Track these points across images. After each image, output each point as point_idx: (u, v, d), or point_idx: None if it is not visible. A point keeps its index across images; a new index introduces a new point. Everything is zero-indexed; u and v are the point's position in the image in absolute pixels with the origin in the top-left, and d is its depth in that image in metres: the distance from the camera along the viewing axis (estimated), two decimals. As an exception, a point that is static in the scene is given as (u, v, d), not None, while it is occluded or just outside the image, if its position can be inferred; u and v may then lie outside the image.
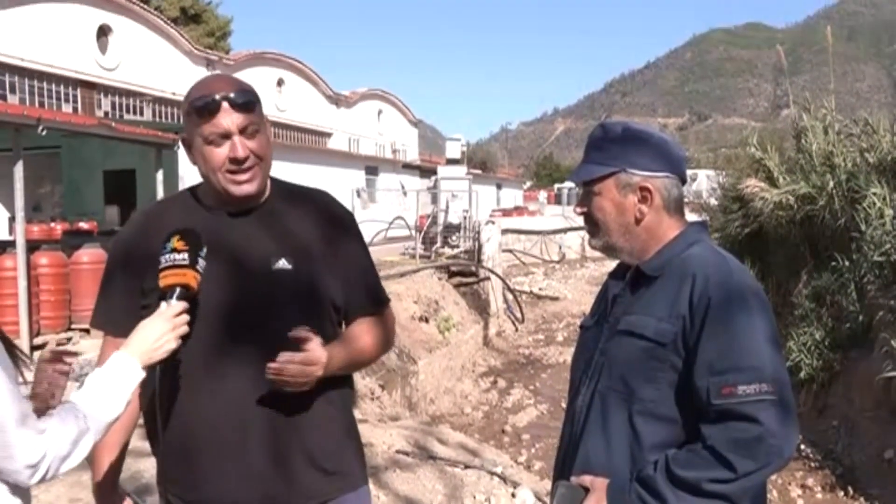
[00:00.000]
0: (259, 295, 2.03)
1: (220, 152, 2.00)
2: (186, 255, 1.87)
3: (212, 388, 2.01)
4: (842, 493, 7.88)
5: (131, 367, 1.75)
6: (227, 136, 1.99)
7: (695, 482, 1.71)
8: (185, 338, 1.88)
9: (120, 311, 2.07)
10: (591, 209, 2.02)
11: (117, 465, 2.16)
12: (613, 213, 1.97)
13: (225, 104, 1.97)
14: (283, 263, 2.06)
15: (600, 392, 1.95)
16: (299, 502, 2.08)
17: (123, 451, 2.18)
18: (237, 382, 1.99)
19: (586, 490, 1.86)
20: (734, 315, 1.77)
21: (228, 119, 1.98)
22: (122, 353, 1.76)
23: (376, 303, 2.31)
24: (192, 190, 2.19)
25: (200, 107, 1.98)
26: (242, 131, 2.01)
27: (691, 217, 2.07)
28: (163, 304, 1.86)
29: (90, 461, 1.99)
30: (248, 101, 2.02)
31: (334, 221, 2.26)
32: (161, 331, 1.80)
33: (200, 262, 1.90)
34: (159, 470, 2.14)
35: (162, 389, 1.95)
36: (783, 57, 15.86)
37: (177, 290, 1.85)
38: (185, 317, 1.86)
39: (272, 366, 1.88)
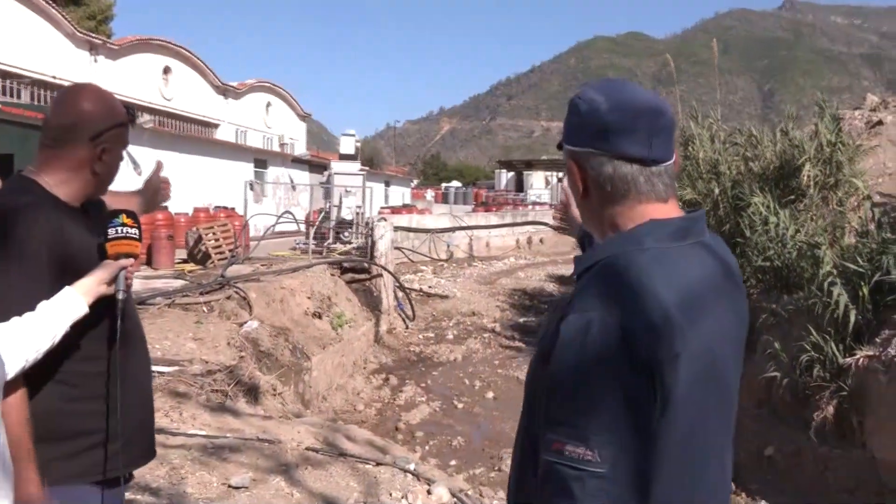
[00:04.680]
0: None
1: None
2: (137, 231, 2.22)
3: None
4: (725, 489, 8.19)
5: (74, 300, 2.03)
6: None
7: None
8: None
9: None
10: None
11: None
12: (572, 194, 1.68)
13: None
14: None
15: None
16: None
17: None
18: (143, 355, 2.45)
19: None
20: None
21: None
22: (69, 289, 2.04)
23: None
24: (41, 187, 2.22)
25: (131, 121, 2.34)
26: None
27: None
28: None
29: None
30: None
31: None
32: (105, 275, 2.12)
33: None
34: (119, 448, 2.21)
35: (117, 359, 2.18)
36: (672, 64, 16.44)
37: (122, 259, 2.18)
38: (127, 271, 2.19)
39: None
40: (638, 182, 1.51)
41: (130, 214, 2.25)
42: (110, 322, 2.16)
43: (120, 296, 2.14)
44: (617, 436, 1.31)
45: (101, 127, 2.22)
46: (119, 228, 2.19)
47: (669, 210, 1.53)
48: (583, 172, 1.55)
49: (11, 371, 1.85)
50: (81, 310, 2.04)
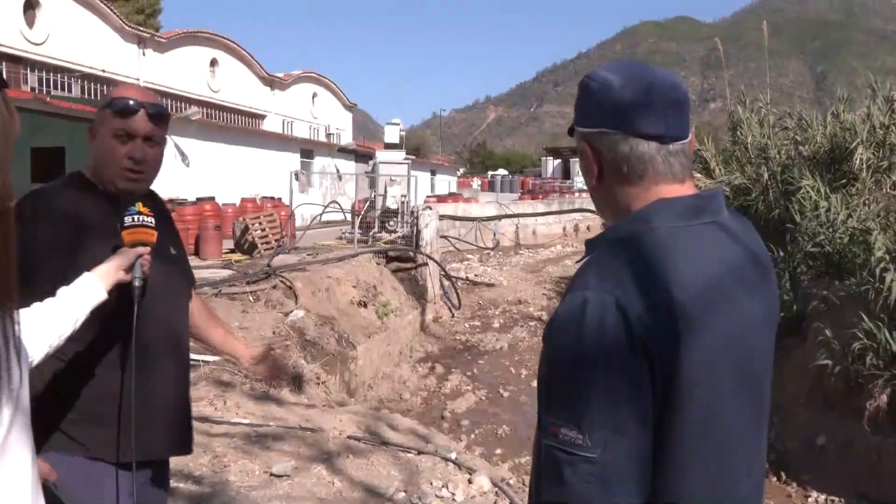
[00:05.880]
0: (163, 275, 2.35)
1: (122, 149, 2.27)
2: (153, 220, 2.20)
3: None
4: (775, 479, 8.06)
5: (94, 285, 2.03)
6: (132, 136, 2.27)
7: None
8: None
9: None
10: None
11: None
12: (585, 180, 1.57)
13: (142, 111, 2.27)
14: (172, 249, 2.48)
15: None
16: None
17: None
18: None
19: None
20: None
21: (140, 124, 2.27)
22: (88, 274, 2.05)
23: None
24: (81, 176, 2.39)
25: (122, 107, 2.26)
26: (147, 139, 2.30)
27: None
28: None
29: None
30: (160, 115, 2.32)
31: (173, 222, 2.69)
32: (123, 262, 2.12)
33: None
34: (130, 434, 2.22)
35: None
36: (721, 48, 16.18)
37: (138, 246, 2.16)
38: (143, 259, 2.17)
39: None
40: (655, 161, 1.43)
41: (147, 203, 2.26)
42: (127, 309, 2.16)
43: (137, 283, 2.15)
44: (611, 420, 1.26)
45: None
46: (135, 216, 2.20)
47: (685, 191, 1.46)
48: (597, 154, 1.47)
49: (37, 357, 1.85)
50: (100, 295, 2.05)
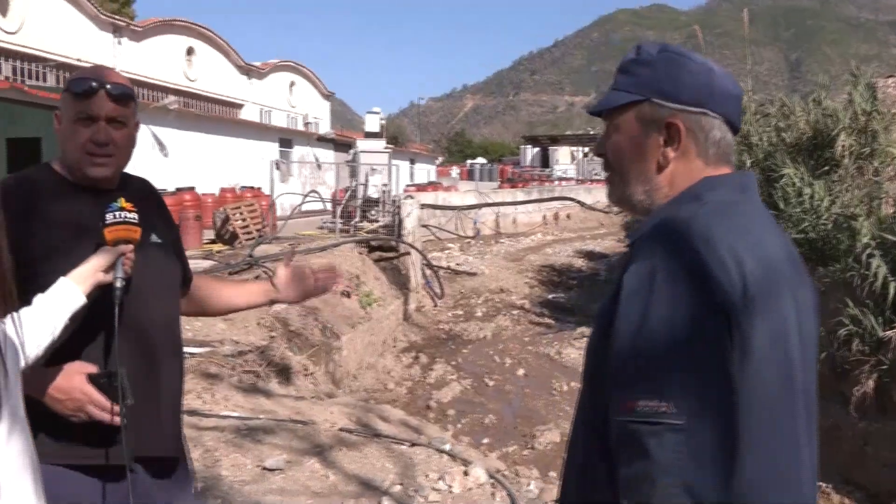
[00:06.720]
0: (141, 265, 2.15)
1: (85, 132, 2.14)
2: (136, 216, 2.08)
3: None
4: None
5: (70, 290, 1.91)
6: (94, 119, 2.14)
7: None
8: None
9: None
10: (606, 150, 1.56)
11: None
12: (632, 156, 1.50)
13: (102, 92, 2.14)
14: (154, 238, 2.28)
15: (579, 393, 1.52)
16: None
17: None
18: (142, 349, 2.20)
19: None
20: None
21: (100, 105, 2.14)
22: (64, 279, 1.92)
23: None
24: (49, 168, 2.27)
25: (78, 90, 2.14)
26: (110, 120, 2.16)
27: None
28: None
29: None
30: (122, 94, 2.18)
31: (164, 205, 2.51)
32: (103, 262, 1.99)
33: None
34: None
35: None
36: (700, 35, 16.21)
37: (121, 245, 2.04)
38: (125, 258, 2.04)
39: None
40: (731, 148, 1.49)
41: (129, 198, 2.14)
42: (109, 311, 2.02)
43: (118, 283, 2.02)
44: (695, 384, 1.19)
45: None
46: (117, 213, 2.09)
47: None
48: (689, 133, 1.45)
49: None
50: (79, 300, 1.93)
